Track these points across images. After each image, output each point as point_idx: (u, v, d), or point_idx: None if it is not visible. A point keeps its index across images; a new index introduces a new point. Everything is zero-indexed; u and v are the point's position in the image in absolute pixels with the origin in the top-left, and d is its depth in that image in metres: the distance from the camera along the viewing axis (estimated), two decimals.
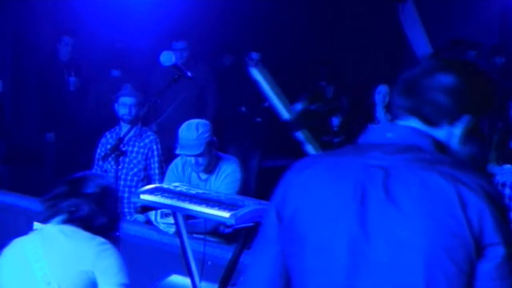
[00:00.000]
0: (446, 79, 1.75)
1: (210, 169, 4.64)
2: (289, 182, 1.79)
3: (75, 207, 2.86)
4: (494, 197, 1.63)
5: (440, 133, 1.76)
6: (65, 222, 2.89)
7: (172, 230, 4.47)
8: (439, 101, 1.74)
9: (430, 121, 1.75)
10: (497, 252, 1.60)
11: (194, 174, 4.70)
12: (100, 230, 2.88)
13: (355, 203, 1.67)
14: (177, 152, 4.66)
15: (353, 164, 1.72)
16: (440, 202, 1.61)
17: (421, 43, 8.74)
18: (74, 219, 2.88)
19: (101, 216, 2.88)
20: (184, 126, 4.65)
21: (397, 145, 1.72)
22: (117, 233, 3.00)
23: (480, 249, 1.59)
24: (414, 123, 1.77)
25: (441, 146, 1.74)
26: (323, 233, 1.69)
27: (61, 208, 2.89)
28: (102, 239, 2.86)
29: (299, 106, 1.98)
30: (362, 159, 1.72)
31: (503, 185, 5.67)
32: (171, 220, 4.37)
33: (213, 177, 4.64)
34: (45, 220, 2.96)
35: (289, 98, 7.75)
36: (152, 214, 4.63)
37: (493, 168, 5.77)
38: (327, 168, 1.76)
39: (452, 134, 1.76)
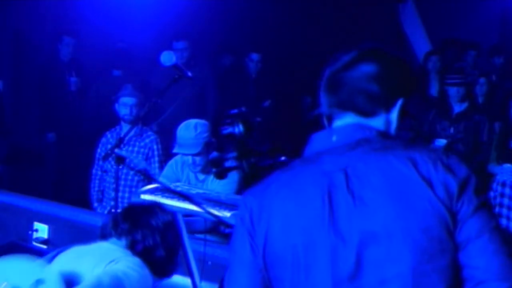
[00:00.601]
0: (368, 68, 1.76)
1: (207, 169, 4.63)
2: (252, 208, 1.76)
3: (142, 236, 2.88)
4: (452, 166, 1.65)
5: (378, 122, 1.76)
6: (126, 248, 2.89)
7: None
8: (369, 90, 1.75)
9: (366, 112, 1.75)
10: (465, 213, 1.63)
11: (192, 175, 4.70)
12: (156, 263, 2.89)
13: (325, 213, 1.66)
14: (174, 151, 4.65)
15: (311, 175, 1.71)
16: (405, 187, 1.63)
17: (421, 43, 8.74)
18: (135, 248, 2.89)
19: (161, 250, 2.90)
20: (182, 125, 4.64)
21: (346, 145, 1.71)
22: (173, 268, 3.01)
23: (454, 217, 1.62)
24: (350, 118, 1.76)
25: (385, 135, 1.74)
26: (301, 250, 1.68)
27: (127, 233, 2.89)
28: (138, 260, 2.81)
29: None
30: (318, 167, 1.71)
31: (503, 184, 5.67)
32: None
33: (210, 178, 4.64)
34: (104, 237, 2.95)
35: (290, 98, 7.78)
36: None
37: (493, 167, 5.77)
38: (286, 185, 1.74)
39: (389, 121, 1.77)
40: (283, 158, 2.33)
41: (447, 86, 6.25)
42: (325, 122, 1.83)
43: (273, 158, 2.18)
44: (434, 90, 7.24)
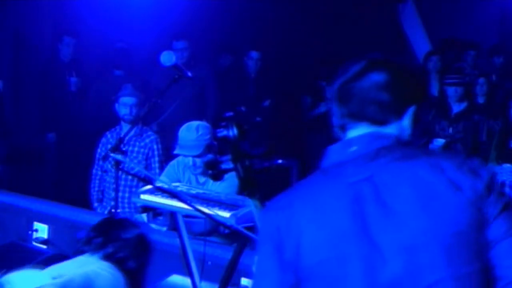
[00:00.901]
0: (378, 77, 1.77)
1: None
2: (279, 224, 1.75)
3: (114, 249, 3.01)
4: (476, 169, 1.69)
5: (391, 130, 1.77)
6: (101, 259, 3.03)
7: (164, 228, 4.50)
8: (380, 99, 1.76)
9: (378, 121, 1.77)
10: (492, 214, 1.66)
11: (192, 177, 4.70)
12: (128, 273, 3.01)
13: (355, 224, 1.67)
14: (175, 152, 4.65)
15: (335, 187, 1.72)
16: (434, 193, 1.65)
17: (421, 43, 8.74)
18: (109, 261, 3.01)
19: (132, 261, 3.03)
20: (184, 127, 4.65)
21: (366, 154, 1.72)
22: (144, 278, 3.13)
23: (483, 219, 1.65)
24: (364, 127, 1.77)
25: (403, 142, 1.76)
26: (334, 262, 1.68)
27: (99, 247, 3.03)
28: (111, 264, 2.95)
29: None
30: (340, 178, 1.71)
31: (503, 184, 5.67)
32: (161, 221, 4.40)
33: (211, 181, 4.63)
34: (78, 253, 3.09)
35: (290, 98, 7.78)
36: (144, 215, 4.64)
37: (493, 167, 5.77)
38: (312, 199, 1.74)
39: (402, 129, 1.79)
40: (280, 161, 2.33)
41: (445, 86, 6.26)
42: (338, 132, 1.83)
43: (269, 161, 2.19)
44: (435, 90, 7.25)
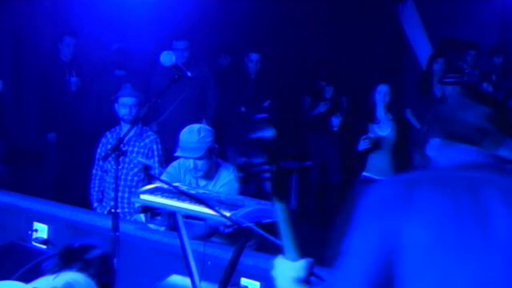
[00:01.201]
0: (480, 108, 1.92)
1: (209, 175, 4.63)
2: (396, 191, 1.83)
3: (77, 270, 3.07)
4: None
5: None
6: None
7: (162, 228, 4.50)
8: (483, 127, 1.91)
9: (479, 145, 1.90)
10: None
11: (193, 180, 4.70)
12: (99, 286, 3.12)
13: (475, 217, 1.76)
14: (177, 154, 4.65)
15: (455, 177, 1.83)
16: None
17: (421, 43, 8.74)
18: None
19: (97, 279, 3.08)
20: (186, 129, 4.65)
21: (475, 165, 1.86)
22: None
23: None
24: (466, 148, 1.90)
25: (506, 162, 1.89)
26: (443, 247, 1.75)
27: (64, 269, 3.09)
28: (86, 276, 3.05)
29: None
30: (460, 173, 1.83)
31: None
32: (159, 221, 4.40)
33: (211, 184, 4.64)
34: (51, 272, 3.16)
35: (290, 98, 7.78)
36: (142, 215, 4.64)
37: None
38: (431, 181, 1.83)
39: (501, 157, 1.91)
40: (308, 163, 2.34)
41: (443, 85, 6.28)
42: (430, 152, 1.96)
43: (300, 163, 2.17)
44: (438, 92, 7.24)
